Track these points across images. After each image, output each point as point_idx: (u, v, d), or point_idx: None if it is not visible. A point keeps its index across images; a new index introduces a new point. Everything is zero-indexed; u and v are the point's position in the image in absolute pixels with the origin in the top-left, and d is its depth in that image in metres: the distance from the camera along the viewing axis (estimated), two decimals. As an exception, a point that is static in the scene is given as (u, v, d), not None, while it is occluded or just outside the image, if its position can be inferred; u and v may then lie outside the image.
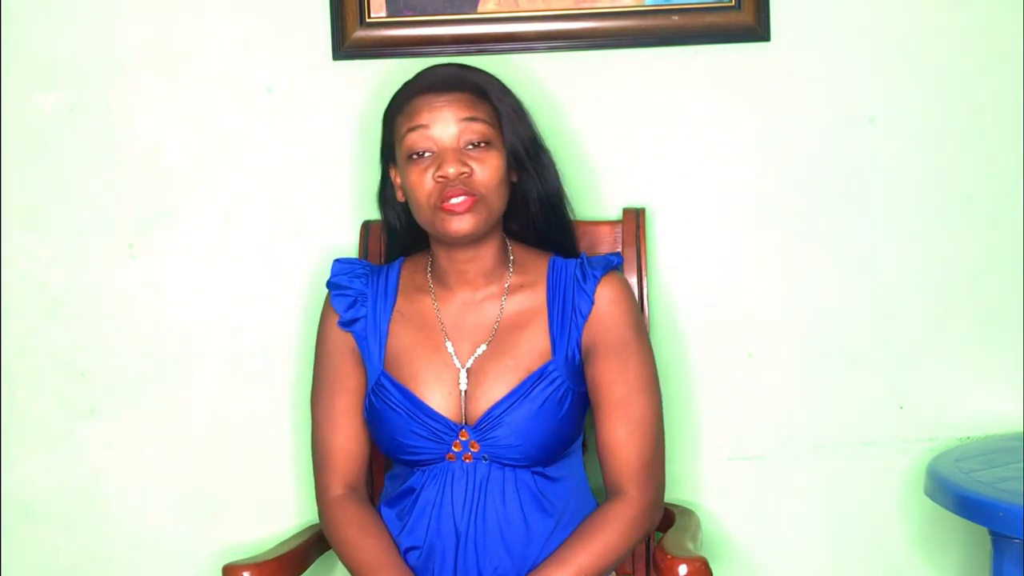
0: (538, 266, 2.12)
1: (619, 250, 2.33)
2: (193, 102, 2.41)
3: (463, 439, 2.05)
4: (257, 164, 2.42)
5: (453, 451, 2.05)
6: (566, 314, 2.07)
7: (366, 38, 2.38)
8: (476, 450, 2.05)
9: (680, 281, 2.42)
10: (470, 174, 2.01)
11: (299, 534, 2.25)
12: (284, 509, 2.43)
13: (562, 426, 2.06)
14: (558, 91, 2.40)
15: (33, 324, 2.44)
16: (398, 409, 2.07)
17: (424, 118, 2.02)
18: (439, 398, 2.06)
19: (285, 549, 2.16)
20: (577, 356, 2.07)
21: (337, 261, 2.17)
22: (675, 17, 2.37)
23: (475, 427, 2.04)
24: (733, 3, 2.36)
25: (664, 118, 2.41)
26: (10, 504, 2.46)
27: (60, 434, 2.45)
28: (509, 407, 2.03)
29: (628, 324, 2.07)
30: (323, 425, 2.13)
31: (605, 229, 2.35)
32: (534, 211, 2.13)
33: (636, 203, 2.40)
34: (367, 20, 2.38)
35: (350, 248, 2.39)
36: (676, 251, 2.41)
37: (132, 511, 2.46)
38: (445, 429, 2.05)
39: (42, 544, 2.47)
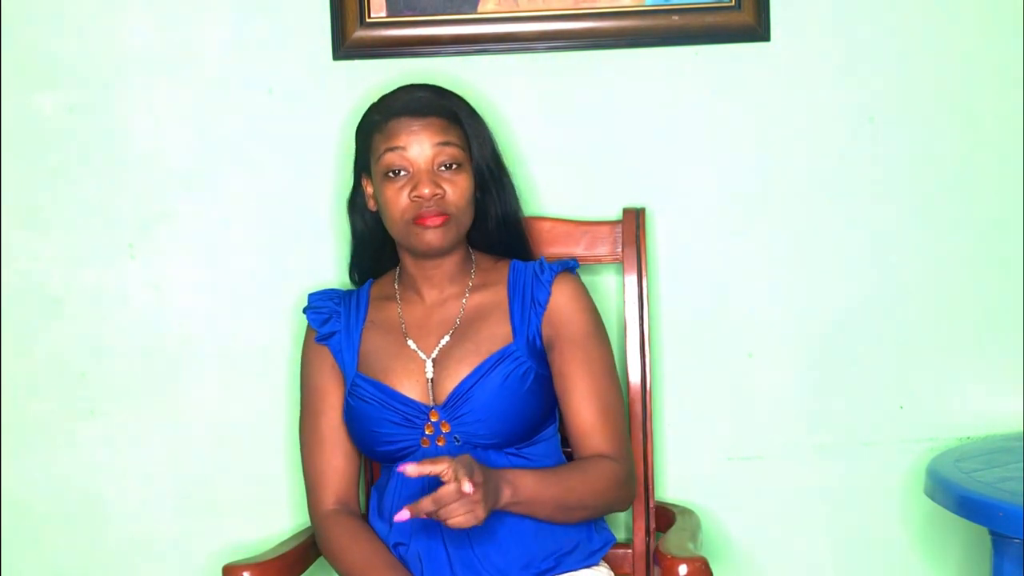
0: (499, 269, 2.22)
1: (619, 249, 2.34)
2: (193, 102, 2.41)
3: (434, 420, 2.11)
4: (257, 164, 2.42)
5: (426, 435, 2.11)
6: (525, 304, 2.16)
7: (366, 38, 2.38)
8: (447, 431, 2.11)
9: (680, 281, 2.42)
10: (443, 195, 2.11)
11: (299, 534, 2.25)
12: (284, 509, 2.44)
13: (527, 403, 2.11)
14: (558, 91, 2.40)
15: (33, 324, 2.44)
16: (372, 401, 2.13)
17: (402, 140, 2.12)
18: (408, 386, 2.14)
19: (285, 549, 2.17)
20: (538, 341, 2.14)
21: (311, 294, 2.26)
22: (675, 17, 2.37)
23: (443, 406, 2.11)
24: (733, 3, 2.36)
25: (664, 118, 2.41)
26: (10, 504, 2.46)
27: (60, 434, 2.45)
28: (474, 384, 2.10)
29: (588, 319, 2.17)
30: (311, 445, 2.20)
31: (605, 229, 2.35)
32: (491, 227, 2.22)
33: (636, 203, 2.40)
34: (367, 20, 2.38)
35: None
36: (676, 251, 2.42)
37: (132, 511, 2.46)
38: (416, 412, 2.11)
39: (42, 544, 2.47)
